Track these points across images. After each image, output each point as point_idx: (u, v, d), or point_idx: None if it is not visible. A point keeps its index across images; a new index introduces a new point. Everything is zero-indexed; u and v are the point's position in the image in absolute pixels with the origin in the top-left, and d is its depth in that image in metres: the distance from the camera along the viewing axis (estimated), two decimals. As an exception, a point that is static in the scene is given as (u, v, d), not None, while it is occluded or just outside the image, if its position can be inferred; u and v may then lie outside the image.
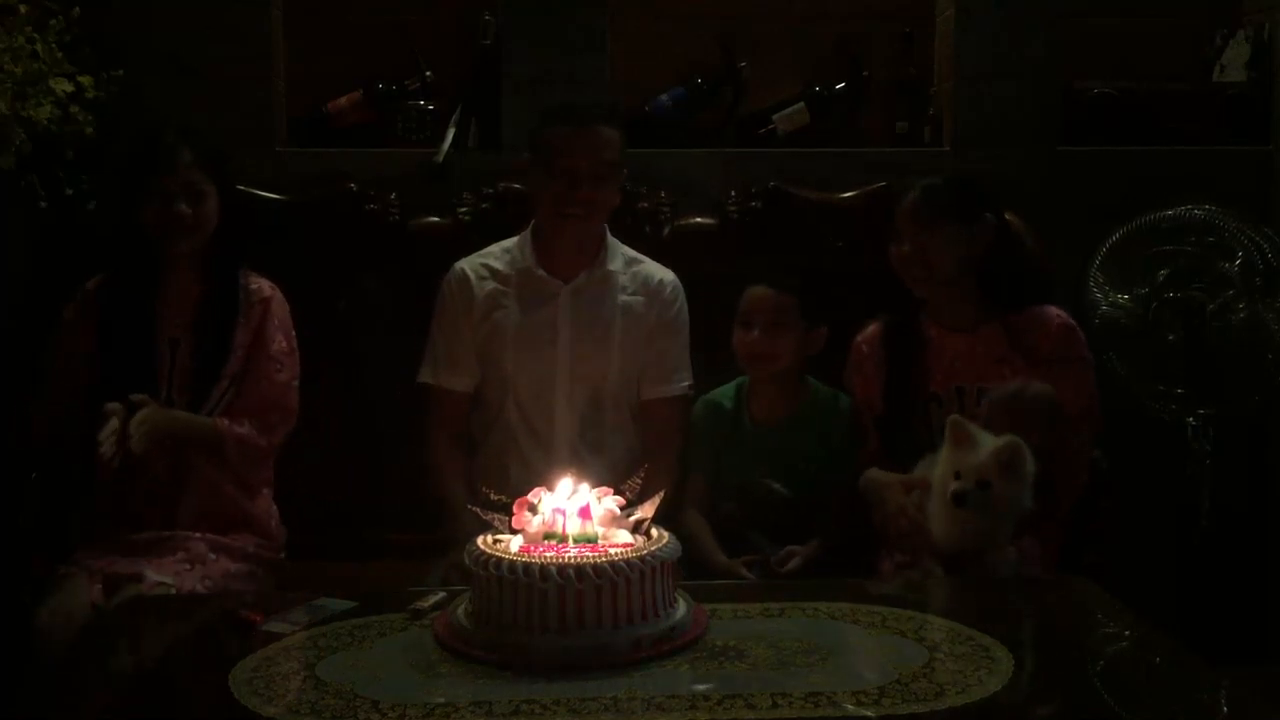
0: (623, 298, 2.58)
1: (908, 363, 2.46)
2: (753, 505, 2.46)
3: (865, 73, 3.20)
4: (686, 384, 2.60)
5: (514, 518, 1.80)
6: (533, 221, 2.62)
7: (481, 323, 2.56)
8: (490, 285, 2.58)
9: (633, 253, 2.65)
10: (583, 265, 2.57)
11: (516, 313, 2.55)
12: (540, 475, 1.95)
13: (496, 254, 2.62)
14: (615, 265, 2.60)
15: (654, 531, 1.79)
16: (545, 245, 2.58)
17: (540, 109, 2.66)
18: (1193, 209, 2.61)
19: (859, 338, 2.56)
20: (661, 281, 2.61)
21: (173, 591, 2.20)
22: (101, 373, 2.34)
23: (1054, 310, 2.44)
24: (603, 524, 1.76)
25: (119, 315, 2.38)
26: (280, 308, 2.48)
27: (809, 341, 2.51)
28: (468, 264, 2.61)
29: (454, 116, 3.06)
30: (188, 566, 2.29)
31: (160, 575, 2.23)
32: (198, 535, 2.37)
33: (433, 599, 1.87)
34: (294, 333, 2.50)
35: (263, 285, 2.49)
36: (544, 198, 2.52)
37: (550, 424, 2.53)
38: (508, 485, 2.04)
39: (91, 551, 2.30)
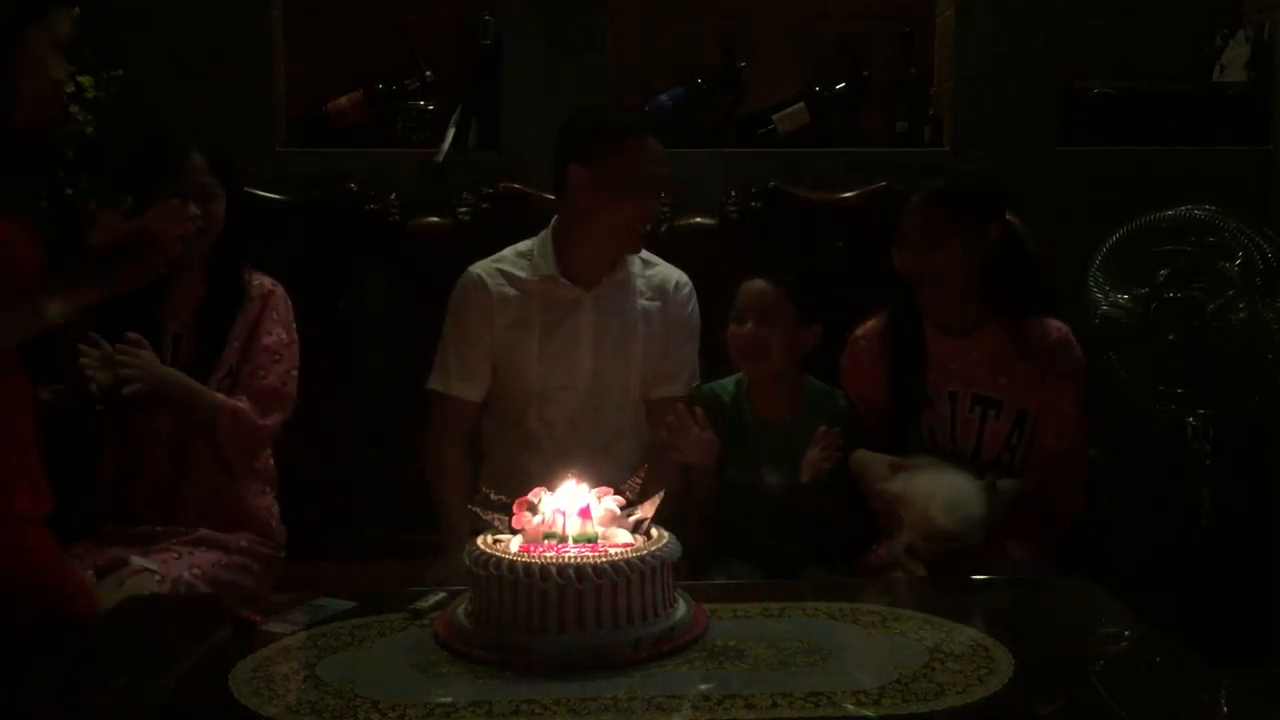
0: (641, 302, 2.57)
1: (906, 362, 2.46)
2: (754, 502, 2.46)
3: (865, 73, 3.20)
4: (696, 385, 2.59)
5: (514, 518, 1.80)
6: (552, 225, 2.57)
7: (502, 332, 2.52)
8: (510, 294, 2.52)
9: (647, 254, 2.63)
10: (604, 271, 2.54)
11: (540, 323, 2.51)
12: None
13: (512, 259, 2.57)
14: (634, 268, 2.58)
15: (654, 531, 1.79)
16: (569, 253, 2.52)
17: (588, 113, 2.58)
18: (1193, 209, 2.61)
19: (858, 332, 2.56)
20: (677, 284, 2.61)
21: (158, 578, 2.20)
22: None
23: (1055, 324, 2.44)
24: (603, 524, 1.76)
25: (123, 314, 2.38)
26: (281, 303, 2.49)
27: (803, 339, 2.51)
28: (484, 270, 2.54)
29: (454, 116, 3.06)
30: (175, 555, 2.30)
31: (145, 561, 2.24)
32: (194, 531, 2.37)
33: (433, 599, 1.87)
34: (295, 326, 2.50)
35: (264, 281, 2.50)
36: (619, 210, 2.44)
37: (573, 430, 2.51)
38: (526, 491, 2.05)
39: (88, 544, 2.31)
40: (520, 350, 2.52)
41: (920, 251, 2.38)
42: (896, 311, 2.49)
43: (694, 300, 2.62)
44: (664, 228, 2.90)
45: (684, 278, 2.63)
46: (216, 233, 2.41)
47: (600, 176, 2.43)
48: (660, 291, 2.59)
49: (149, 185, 2.35)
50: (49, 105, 2.01)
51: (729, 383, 2.59)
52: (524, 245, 2.59)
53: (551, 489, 1.82)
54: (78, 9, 2.56)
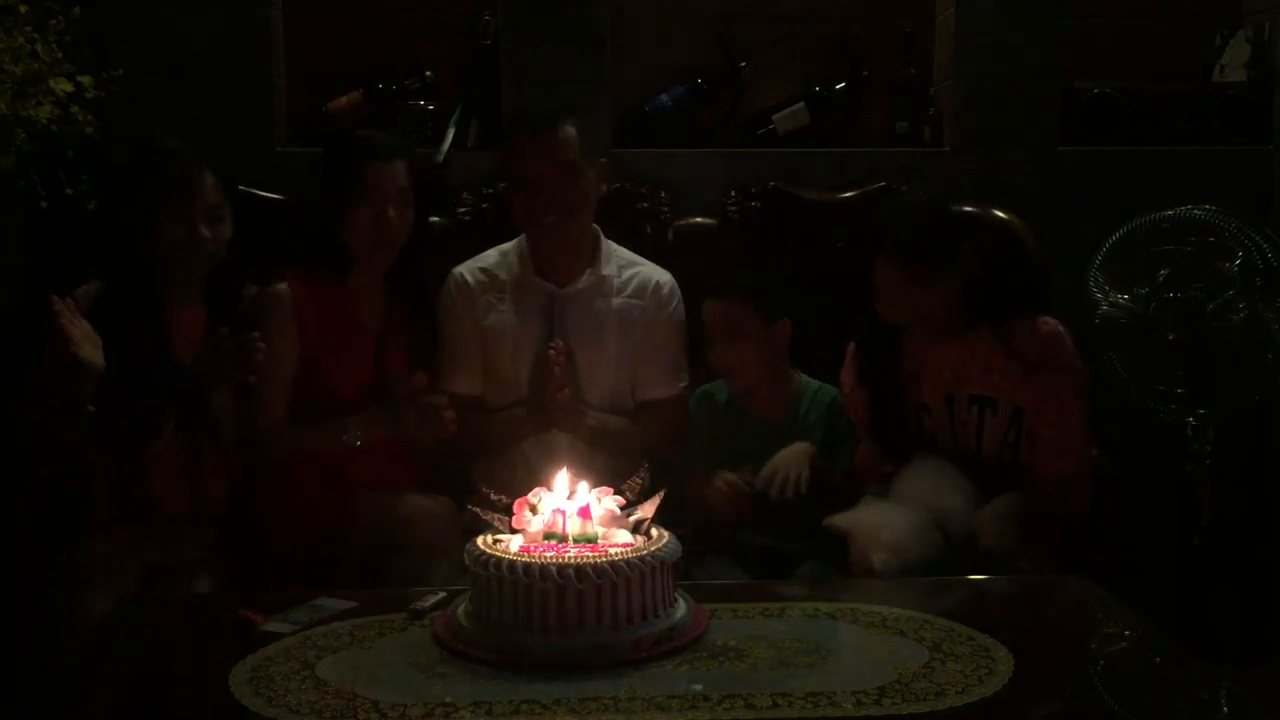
0: (618, 301, 2.58)
1: (886, 381, 2.46)
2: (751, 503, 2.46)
3: (865, 73, 3.20)
4: (683, 385, 2.60)
5: (514, 518, 1.81)
6: None
7: (485, 328, 2.56)
8: (488, 291, 2.57)
9: (630, 255, 2.65)
10: (578, 270, 2.57)
11: (513, 319, 2.55)
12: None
13: (494, 258, 2.62)
14: (609, 269, 2.59)
15: (654, 531, 1.79)
16: (538, 251, 2.57)
17: (538, 109, 2.66)
18: (1193, 209, 2.60)
19: (849, 349, 2.55)
20: (658, 284, 2.61)
21: (205, 573, 2.23)
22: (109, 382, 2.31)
23: (1044, 319, 2.44)
24: (603, 524, 1.76)
25: (129, 341, 2.35)
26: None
27: (773, 339, 2.51)
28: (465, 270, 2.60)
29: (454, 116, 3.07)
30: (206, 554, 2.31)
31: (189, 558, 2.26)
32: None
33: (433, 599, 1.88)
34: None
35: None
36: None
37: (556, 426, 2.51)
38: (512, 487, 2.04)
39: (107, 544, 2.29)
40: (498, 346, 2.55)
41: (898, 305, 2.39)
42: (864, 332, 2.49)
43: (677, 301, 2.61)
44: (665, 229, 2.90)
45: (667, 277, 2.63)
46: (222, 256, 2.41)
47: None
48: (641, 292, 2.59)
49: (159, 204, 2.33)
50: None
51: (722, 384, 2.59)
52: (507, 245, 2.63)
53: (548, 486, 1.82)
54: (78, 9, 2.58)
